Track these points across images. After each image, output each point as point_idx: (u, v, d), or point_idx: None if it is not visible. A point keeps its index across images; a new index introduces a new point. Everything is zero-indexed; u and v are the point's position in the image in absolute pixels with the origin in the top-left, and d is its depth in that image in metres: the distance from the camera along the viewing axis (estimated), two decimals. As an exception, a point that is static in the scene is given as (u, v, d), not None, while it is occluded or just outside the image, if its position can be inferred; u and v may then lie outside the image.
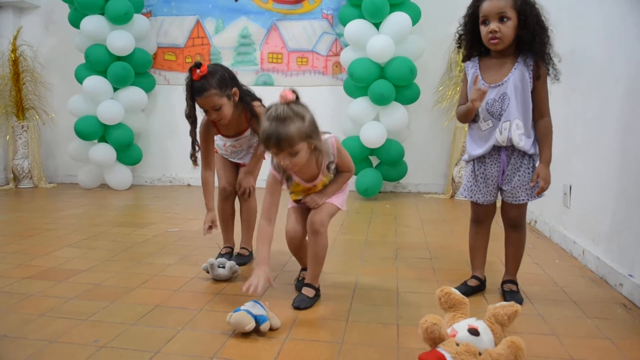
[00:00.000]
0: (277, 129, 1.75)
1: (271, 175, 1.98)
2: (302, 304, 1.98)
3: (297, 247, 2.19)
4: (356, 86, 4.56)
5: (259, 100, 2.46)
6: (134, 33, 4.95)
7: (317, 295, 2.06)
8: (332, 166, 2.00)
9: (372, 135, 4.41)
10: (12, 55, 5.32)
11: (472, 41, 2.01)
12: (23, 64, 5.39)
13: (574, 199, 2.85)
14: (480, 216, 2.16)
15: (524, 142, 1.93)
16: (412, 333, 1.75)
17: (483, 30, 1.91)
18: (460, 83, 4.61)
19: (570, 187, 2.87)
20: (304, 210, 2.14)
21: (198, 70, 2.20)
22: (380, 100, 4.38)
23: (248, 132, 2.50)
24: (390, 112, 4.50)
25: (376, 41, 4.33)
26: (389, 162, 4.65)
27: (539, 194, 1.95)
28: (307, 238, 2.11)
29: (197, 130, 2.40)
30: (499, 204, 2.11)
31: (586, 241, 2.62)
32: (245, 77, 5.30)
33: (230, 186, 2.59)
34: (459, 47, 2.10)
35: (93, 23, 4.80)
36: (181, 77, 5.39)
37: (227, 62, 5.34)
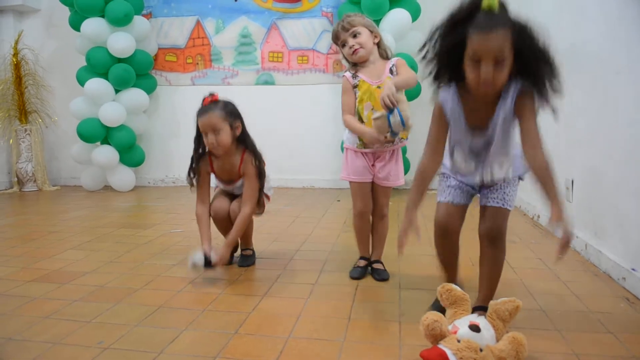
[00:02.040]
0: (343, 18, 2.24)
1: (344, 78, 2.28)
2: (383, 275, 2.31)
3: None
4: (357, 84, 4.55)
5: (259, 156, 2.46)
6: (134, 35, 4.96)
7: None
8: (394, 69, 2.21)
9: (374, 132, 4.40)
10: (14, 59, 5.34)
11: (451, 67, 1.59)
12: (25, 68, 5.41)
13: (576, 193, 2.84)
14: (447, 219, 1.92)
15: (511, 172, 1.74)
16: (414, 330, 1.74)
17: (471, 70, 1.49)
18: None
19: (572, 181, 2.86)
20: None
21: (210, 98, 2.33)
22: (381, 98, 4.37)
23: (239, 183, 2.46)
24: (391, 109, 4.48)
25: (376, 38, 4.32)
26: (391, 159, 4.64)
27: (563, 251, 1.44)
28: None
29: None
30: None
31: (588, 235, 2.62)
32: (246, 77, 5.33)
33: (222, 211, 2.51)
34: (434, 79, 1.66)
35: (93, 25, 4.81)
36: (182, 78, 5.43)
37: (227, 61, 5.35)
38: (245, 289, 2.21)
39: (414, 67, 4.39)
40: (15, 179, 5.45)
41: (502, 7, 1.49)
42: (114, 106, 4.91)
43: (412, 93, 4.57)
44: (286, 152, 5.33)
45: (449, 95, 1.63)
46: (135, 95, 5.08)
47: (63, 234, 3.32)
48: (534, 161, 1.51)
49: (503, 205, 1.73)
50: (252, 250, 2.66)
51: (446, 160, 1.83)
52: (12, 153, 5.47)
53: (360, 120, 2.22)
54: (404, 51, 4.43)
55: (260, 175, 2.44)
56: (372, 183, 2.34)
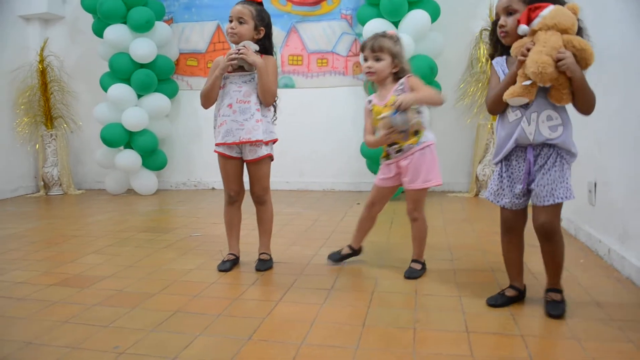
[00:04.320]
0: (375, 37, 2.35)
1: (366, 103, 2.45)
2: (412, 274, 2.37)
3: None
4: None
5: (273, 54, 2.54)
6: (155, 40, 5.02)
7: (424, 268, 2.46)
8: (401, 88, 2.31)
9: (394, 135, 4.37)
10: (40, 66, 5.45)
11: (496, 40, 1.98)
12: (50, 74, 5.53)
13: (599, 196, 2.78)
14: (509, 223, 1.99)
15: (557, 132, 1.79)
16: (429, 338, 1.73)
17: (498, 29, 1.92)
18: (481, 80, 4.56)
19: (595, 184, 2.80)
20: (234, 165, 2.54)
21: None
22: (401, 100, 4.35)
23: (255, 72, 2.43)
24: (411, 111, 4.45)
25: (395, 40, 4.29)
26: (411, 161, 4.60)
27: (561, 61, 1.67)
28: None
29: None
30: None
31: (611, 240, 2.56)
32: (266, 80, 5.34)
33: (234, 193, 2.60)
34: (489, 47, 2.08)
35: (116, 32, 4.88)
36: (203, 82, 5.45)
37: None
38: (260, 294, 2.22)
39: (433, 67, 4.36)
40: (42, 183, 5.56)
41: None
42: (136, 111, 4.97)
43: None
44: (306, 154, 5.33)
45: (499, 59, 1.97)
46: (157, 100, 5.15)
47: (85, 238, 3.38)
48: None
49: (553, 201, 1.83)
50: (270, 255, 2.66)
51: (497, 150, 1.97)
52: (38, 158, 5.58)
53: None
54: (423, 52, 4.40)
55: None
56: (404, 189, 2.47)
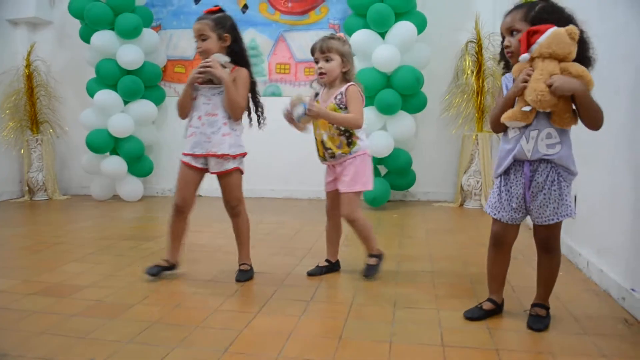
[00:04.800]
0: (323, 39, 2.41)
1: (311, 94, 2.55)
2: (370, 272, 2.53)
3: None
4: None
5: (249, 67, 2.53)
6: (143, 47, 5.02)
7: (380, 259, 2.61)
8: (339, 96, 2.40)
9: (379, 144, 4.41)
10: (27, 71, 5.43)
11: (504, 57, 2.00)
12: (37, 79, 5.51)
13: (579, 209, 2.81)
14: (500, 237, 2.00)
15: (554, 149, 1.81)
16: (405, 351, 1.75)
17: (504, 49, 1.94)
18: (466, 91, 4.60)
19: (575, 197, 2.83)
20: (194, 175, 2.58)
21: (209, 9, 2.47)
22: (387, 110, 4.39)
23: (221, 89, 2.45)
24: (397, 121, 4.49)
25: (382, 51, 4.34)
26: (396, 171, 4.64)
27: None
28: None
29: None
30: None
31: (591, 253, 2.59)
32: (254, 88, 5.35)
33: (183, 202, 2.59)
34: (499, 64, 2.10)
35: (103, 38, 4.88)
36: (191, 89, 5.46)
37: (235, 73, 5.39)
38: (240, 305, 2.22)
39: (419, 78, 4.40)
40: (27, 188, 5.53)
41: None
42: (122, 117, 4.97)
43: (418, 106, 4.58)
44: (292, 163, 5.34)
45: (507, 76, 1.98)
46: (143, 106, 5.14)
47: (68, 245, 3.36)
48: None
49: (550, 221, 1.88)
50: (250, 265, 2.66)
51: (496, 165, 2.00)
52: (23, 162, 5.55)
53: (315, 139, 2.58)
54: (409, 63, 4.43)
55: (252, 88, 2.57)
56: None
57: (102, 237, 3.59)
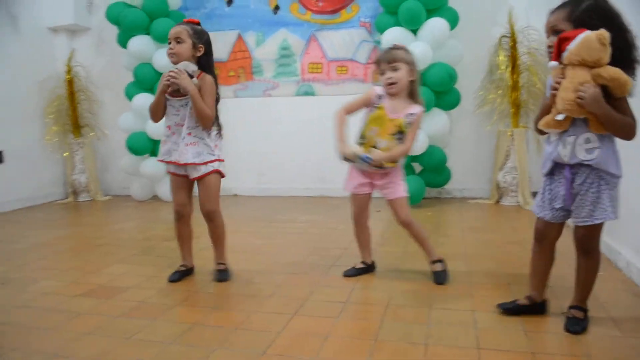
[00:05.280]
0: (388, 50, 2.41)
1: (371, 89, 2.49)
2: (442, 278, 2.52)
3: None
4: (395, 94, 4.55)
5: (216, 79, 2.61)
6: (178, 50, 5.12)
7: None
8: (411, 117, 2.41)
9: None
10: (67, 76, 5.62)
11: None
12: (77, 84, 5.68)
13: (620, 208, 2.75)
14: (541, 233, 2.03)
15: (592, 154, 1.80)
16: (440, 354, 1.76)
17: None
18: (501, 87, 4.54)
19: (614, 195, 2.77)
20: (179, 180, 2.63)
21: (194, 20, 2.59)
22: (420, 107, 4.37)
23: (189, 97, 2.47)
24: (431, 118, 4.46)
25: (413, 48, 4.29)
26: (431, 168, 4.62)
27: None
28: None
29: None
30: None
31: (631, 252, 2.54)
32: (287, 88, 5.42)
33: (181, 208, 2.67)
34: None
35: (139, 43, 5.00)
36: (225, 91, 5.56)
37: (268, 73, 5.46)
38: (277, 307, 2.27)
39: (452, 75, 4.37)
40: (71, 190, 5.73)
41: None
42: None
43: (451, 103, 4.56)
44: (327, 161, 5.36)
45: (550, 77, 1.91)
46: (180, 108, 5.24)
47: (111, 246, 3.48)
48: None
49: (591, 222, 1.87)
50: (225, 264, 2.73)
51: (542, 165, 2.00)
52: (67, 165, 5.75)
53: (362, 136, 2.51)
54: (442, 60, 4.40)
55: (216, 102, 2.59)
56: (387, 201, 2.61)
57: (144, 238, 3.70)
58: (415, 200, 4.55)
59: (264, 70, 5.48)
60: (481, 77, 4.72)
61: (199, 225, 2.79)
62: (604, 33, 1.68)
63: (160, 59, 4.98)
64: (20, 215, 4.87)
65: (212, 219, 2.65)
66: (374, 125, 2.45)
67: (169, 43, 2.50)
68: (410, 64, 2.41)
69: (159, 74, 5.08)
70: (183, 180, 2.62)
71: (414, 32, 4.45)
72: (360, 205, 2.66)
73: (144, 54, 5.05)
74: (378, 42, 5.01)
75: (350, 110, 2.54)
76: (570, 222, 1.96)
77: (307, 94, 5.39)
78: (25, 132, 5.37)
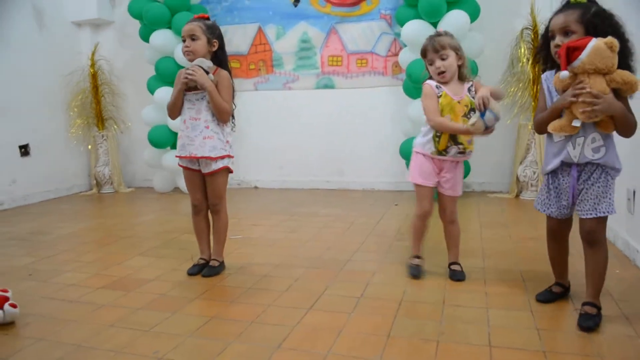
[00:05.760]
0: (433, 39, 2.38)
1: (427, 85, 2.44)
2: (460, 276, 2.51)
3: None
4: (415, 87, 4.54)
5: (230, 73, 2.63)
6: (199, 44, 5.17)
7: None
8: (472, 89, 2.40)
9: (432, 136, 4.39)
10: (92, 70, 5.72)
11: (546, 56, 2.01)
12: (101, 77, 5.79)
13: (638, 204, 2.73)
14: (555, 231, 2.15)
15: (600, 153, 1.89)
16: (451, 351, 1.78)
17: (552, 44, 1.92)
18: (522, 80, 4.50)
19: (634, 192, 2.75)
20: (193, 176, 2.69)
21: (204, 15, 2.66)
22: (439, 101, 4.36)
23: (204, 93, 2.54)
24: (450, 111, 4.45)
25: (434, 41, 4.29)
26: (450, 162, 4.61)
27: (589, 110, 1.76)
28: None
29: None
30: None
31: (649, 250, 2.52)
32: (307, 81, 5.44)
33: (198, 202, 2.73)
34: (537, 62, 2.16)
35: (161, 37, 5.06)
36: (245, 84, 5.62)
37: (288, 66, 5.48)
38: (292, 301, 2.31)
39: (473, 68, 4.33)
40: (94, 182, 5.85)
41: (589, 1, 1.86)
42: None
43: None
44: (347, 154, 5.40)
45: (548, 74, 2.01)
46: (201, 101, 5.30)
47: (133, 239, 3.56)
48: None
49: (596, 215, 1.92)
50: (220, 261, 2.77)
51: (544, 162, 2.08)
52: (91, 157, 5.87)
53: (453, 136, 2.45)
54: (463, 53, 4.37)
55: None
56: (441, 195, 2.59)
57: (165, 231, 3.77)
58: (435, 194, 4.53)
59: (284, 63, 5.51)
60: (502, 70, 4.68)
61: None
62: (613, 40, 1.71)
63: (182, 52, 5.03)
64: (47, 207, 5.00)
65: (218, 211, 2.72)
66: (446, 113, 2.39)
67: (184, 41, 2.55)
68: (457, 48, 2.40)
69: (181, 68, 5.15)
70: (196, 174, 2.68)
71: (434, 24, 4.42)
72: (430, 198, 2.58)
73: (166, 48, 5.12)
74: (398, 35, 4.99)
75: (437, 112, 2.40)
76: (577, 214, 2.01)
77: (326, 87, 5.40)
78: (51, 125, 5.49)
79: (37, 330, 2.09)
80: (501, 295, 2.29)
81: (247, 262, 2.91)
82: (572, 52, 1.73)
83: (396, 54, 5.08)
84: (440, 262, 2.68)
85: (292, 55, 5.47)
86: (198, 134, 2.56)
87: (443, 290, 2.37)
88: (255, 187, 5.76)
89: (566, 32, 1.85)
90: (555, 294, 2.20)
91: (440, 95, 2.40)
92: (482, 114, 2.24)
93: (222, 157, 2.61)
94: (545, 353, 1.74)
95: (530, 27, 4.45)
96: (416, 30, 4.41)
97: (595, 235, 1.95)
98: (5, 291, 2.23)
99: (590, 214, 1.93)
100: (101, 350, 1.89)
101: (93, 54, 5.73)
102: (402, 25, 4.57)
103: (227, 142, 2.64)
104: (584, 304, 2.00)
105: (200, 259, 2.81)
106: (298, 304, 2.27)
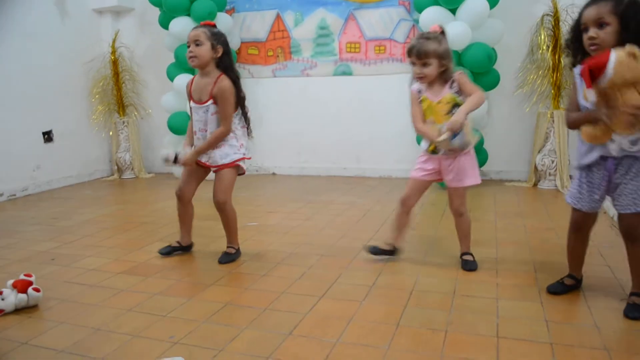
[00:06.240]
0: (419, 42, 2.37)
1: (412, 91, 2.53)
2: (472, 266, 2.52)
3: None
4: (432, 74, 4.52)
5: (237, 77, 2.70)
6: (218, 31, 5.20)
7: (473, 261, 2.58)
8: (454, 85, 2.41)
9: (449, 124, 4.38)
10: (112, 57, 5.80)
11: (577, 48, 1.97)
12: (122, 64, 5.87)
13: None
14: (579, 224, 2.14)
15: (638, 145, 1.86)
16: (459, 341, 1.81)
17: (584, 37, 1.89)
18: (542, 67, 4.44)
19: None
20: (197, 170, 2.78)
21: (210, 22, 2.72)
22: (457, 89, 4.33)
23: (209, 103, 2.63)
24: (468, 99, 4.43)
25: (452, 28, 4.24)
26: (467, 150, 4.60)
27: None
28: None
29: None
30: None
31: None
32: (325, 68, 5.45)
33: (182, 193, 2.83)
34: (567, 56, 2.08)
35: (180, 24, 5.10)
36: (264, 70, 5.65)
37: (306, 53, 5.49)
38: (305, 289, 2.36)
39: (491, 55, 4.30)
40: (116, 167, 5.97)
41: None
42: (200, 100, 5.20)
43: (490, 84, 4.49)
44: (364, 141, 5.41)
45: (579, 68, 1.91)
46: (219, 88, 5.35)
47: (153, 225, 3.64)
48: None
49: (628, 210, 1.93)
50: (235, 247, 2.83)
51: (578, 156, 2.06)
52: (112, 143, 5.98)
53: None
54: (481, 40, 4.33)
55: (239, 101, 2.70)
56: (447, 186, 2.60)
57: (183, 217, 3.83)
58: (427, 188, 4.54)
59: (302, 50, 5.51)
60: (522, 57, 4.62)
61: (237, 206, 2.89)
62: (633, 48, 1.67)
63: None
64: (70, 192, 5.12)
65: (222, 209, 2.76)
66: (429, 116, 2.47)
67: (188, 46, 2.60)
68: (442, 56, 2.38)
69: (199, 55, 5.20)
70: (199, 169, 2.77)
71: (453, 11, 4.39)
72: (414, 189, 2.65)
73: (185, 35, 5.11)
74: (417, 21, 4.95)
75: (419, 117, 2.51)
76: (608, 210, 2.00)
77: (344, 73, 5.40)
78: (73, 112, 5.60)
79: (59, 314, 2.17)
80: (512, 286, 2.30)
81: (262, 249, 2.96)
82: (596, 70, 1.69)
83: (414, 41, 5.04)
84: (453, 252, 2.70)
85: (310, 42, 5.47)
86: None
87: (454, 281, 2.39)
88: (273, 174, 5.81)
89: (600, 23, 1.82)
90: (567, 286, 2.21)
91: (421, 100, 2.48)
92: (453, 137, 2.31)
93: (235, 162, 2.70)
94: (552, 345, 1.76)
95: (551, 14, 4.38)
96: (435, 17, 4.37)
97: (636, 230, 1.95)
98: (29, 276, 2.32)
99: (630, 208, 1.92)
100: (118, 334, 1.97)
101: (114, 41, 5.80)
102: (420, 12, 4.53)
103: (242, 145, 2.71)
104: (632, 294, 2.03)
105: (177, 242, 2.93)
106: (311, 292, 2.31)
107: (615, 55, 1.67)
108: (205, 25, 2.64)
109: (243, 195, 4.63)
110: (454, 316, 2.01)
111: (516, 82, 4.68)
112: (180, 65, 5.27)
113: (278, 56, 5.62)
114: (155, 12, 5.45)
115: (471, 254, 2.61)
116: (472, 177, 2.52)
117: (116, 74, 5.82)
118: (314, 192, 4.69)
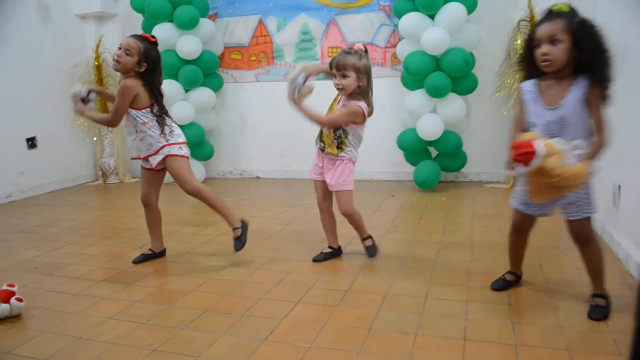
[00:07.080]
0: (341, 55, 2.57)
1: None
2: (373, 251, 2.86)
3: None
4: (412, 79, 4.60)
5: (165, 114, 2.83)
6: (200, 37, 5.25)
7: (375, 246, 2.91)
8: (344, 103, 2.67)
9: (429, 128, 4.47)
10: (96, 62, 5.81)
11: (529, 64, 2.05)
12: (106, 70, 5.87)
13: (623, 199, 2.80)
14: (520, 225, 2.26)
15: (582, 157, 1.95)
16: (427, 344, 1.88)
17: (537, 52, 1.96)
18: (519, 71, 4.52)
19: (619, 187, 2.81)
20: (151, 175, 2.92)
21: (149, 35, 2.76)
22: (436, 93, 4.42)
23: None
24: (447, 103, 4.52)
25: (431, 34, 4.34)
26: (447, 153, 4.68)
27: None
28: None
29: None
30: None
31: (630, 245, 2.59)
32: (307, 73, 5.48)
33: (145, 197, 2.98)
34: (520, 70, 2.18)
35: (163, 30, 5.13)
36: (247, 75, 5.70)
37: (289, 58, 5.54)
38: (283, 294, 2.42)
39: (469, 61, 4.38)
40: (100, 172, 5.98)
41: (571, 10, 1.92)
42: (184, 105, 5.25)
43: (468, 88, 4.58)
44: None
45: (528, 83, 2.08)
46: (203, 94, 5.40)
47: (135, 232, 3.68)
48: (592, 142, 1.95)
49: (582, 216, 2.04)
50: (238, 226, 2.88)
51: None
52: (96, 148, 5.99)
53: (321, 133, 2.81)
54: (459, 45, 4.42)
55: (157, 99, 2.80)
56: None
57: (165, 223, 3.80)
58: (430, 185, 4.63)
59: (284, 54, 5.57)
60: (499, 62, 4.71)
61: (214, 214, 2.94)
62: (550, 145, 1.82)
63: (183, 45, 5.13)
64: (54, 198, 5.14)
65: (196, 195, 2.87)
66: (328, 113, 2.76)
67: (119, 49, 2.66)
68: (360, 71, 2.55)
69: (182, 61, 5.25)
70: (149, 173, 2.90)
71: (431, 17, 4.47)
72: (321, 192, 2.86)
73: (168, 41, 5.18)
74: (397, 26, 5.03)
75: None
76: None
77: (326, 78, 5.44)
78: (57, 117, 5.59)
79: (42, 323, 2.22)
80: (483, 288, 2.38)
81: (243, 255, 3.01)
82: (524, 157, 1.79)
83: (395, 45, 5.11)
84: (429, 255, 2.77)
85: (292, 47, 5.53)
86: (133, 139, 2.81)
87: (428, 284, 2.46)
88: (257, 177, 5.86)
89: (553, 40, 1.89)
90: (508, 282, 2.38)
91: (334, 98, 2.78)
92: (303, 81, 2.54)
93: (161, 148, 2.78)
94: (516, 347, 1.84)
95: (528, 19, 4.47)
96: (413, 23, 4.46)
97: (585, 234, 2.07)
98: (12, 285, 2.36)
99: (577, 215, 2.03)
100: (99, 342, 2.02)
101: (97, 46, 5.80)
102: (399, 17, 4.61)
103: (162, 133, 2.77)
104: (594, 295, 2.12)
105: (149, 249, 3.02)
106: (288, 297, 2.37)
107: (540, 147, 1.78)
108: (143, 39, 2.70)
109: (227, 200, 4.65)
110: (425, 319, 2.08)
111: (494, 86, 4.77)
112: (163, 71, 5.29)
113: (261, 61, 5.67)
114: (139, 18, 5.48)
115: (371, 238, 2.90)
116: (341, 185, 2.75)
117: (100, 79, 5.84)
118: (297, 195, 4.76)
